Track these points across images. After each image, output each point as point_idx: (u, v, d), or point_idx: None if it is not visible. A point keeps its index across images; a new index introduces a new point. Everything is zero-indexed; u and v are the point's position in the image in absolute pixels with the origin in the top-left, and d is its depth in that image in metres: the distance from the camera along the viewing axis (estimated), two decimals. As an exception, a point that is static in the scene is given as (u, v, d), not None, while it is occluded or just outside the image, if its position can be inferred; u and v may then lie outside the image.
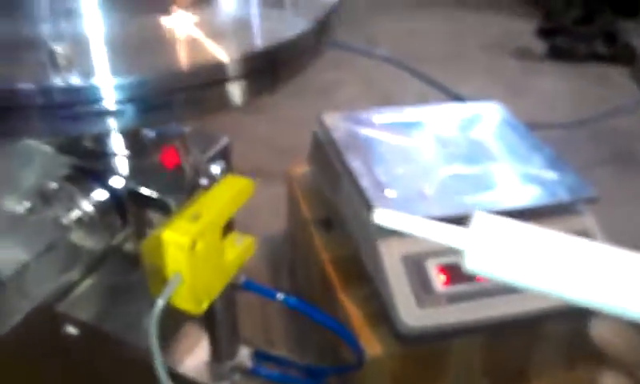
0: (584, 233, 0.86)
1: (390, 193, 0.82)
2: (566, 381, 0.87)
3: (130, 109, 0.35)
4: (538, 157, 0.94)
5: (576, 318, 0.49)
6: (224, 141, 0.54)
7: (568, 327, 0.81)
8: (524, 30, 2.43)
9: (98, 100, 0.33)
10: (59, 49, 0.33)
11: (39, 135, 0.45)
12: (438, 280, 0.76)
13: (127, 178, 0.48)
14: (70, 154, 0.49)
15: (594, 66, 2.13)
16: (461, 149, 0.97)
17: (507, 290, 0.76)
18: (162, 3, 0.42)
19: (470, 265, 0.29)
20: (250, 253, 0.48)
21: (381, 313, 0.78)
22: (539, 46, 2.26)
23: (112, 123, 0.35)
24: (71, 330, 0.53)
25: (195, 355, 0.70)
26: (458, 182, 0.88)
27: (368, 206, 0.78)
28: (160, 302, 0.39)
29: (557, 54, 2.14)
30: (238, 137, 0.60)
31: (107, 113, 0.34)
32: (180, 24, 0.42)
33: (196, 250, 0.39)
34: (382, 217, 0.30)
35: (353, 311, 0.81)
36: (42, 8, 0.38)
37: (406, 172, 0.89)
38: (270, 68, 0.40)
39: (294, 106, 1.63)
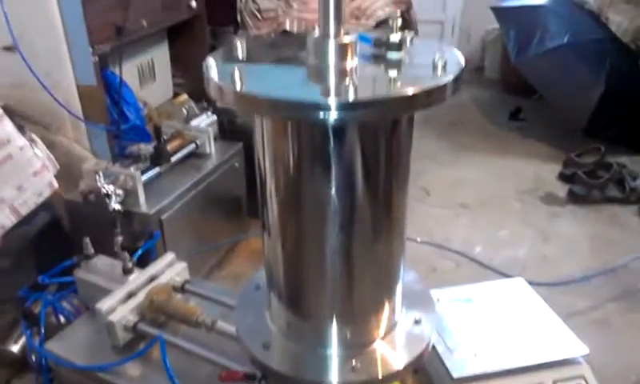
0: (581, 377, 1.39)
1: (457, 356, 1.39)
2: None
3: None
4: (548, 324, 1.50)
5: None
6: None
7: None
8: (551, 173, 3.02)
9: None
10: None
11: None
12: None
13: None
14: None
15: (607, 207, 2.67)
16: (495, 316, 1.54)
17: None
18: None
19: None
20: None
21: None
22: (563, 189, 2.84)
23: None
24: None
25: None
26: (493, 345, 1.44)
27: (446, 370, 1.36)
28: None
29: (575, 199, 2.70)
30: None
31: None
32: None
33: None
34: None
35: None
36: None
37: (464, 338, 1.46)
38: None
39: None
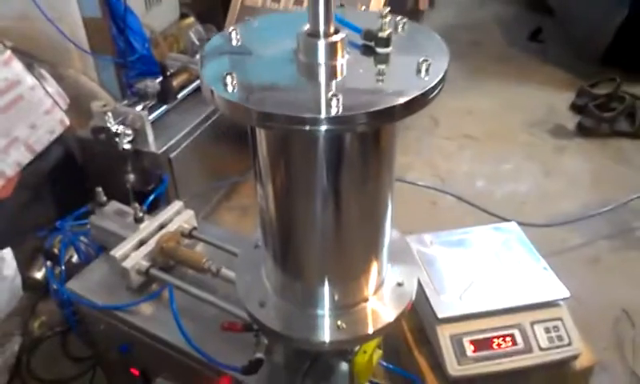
0: (558, 319, 1.50)
1: (444, 298, 1.49)
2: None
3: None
4: (534, 267, 1.58)
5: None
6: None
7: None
8: (564, 102, 2.97)
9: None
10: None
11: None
12: (469, 349, 1.44)
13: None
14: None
15: (615, 141, 2.66)
16: (484, 261, 1.62)
17: (506, 354, 1.43)
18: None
19: None
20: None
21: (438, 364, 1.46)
22: (573, 120, 2.81)
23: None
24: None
25: None
26: (479, 288, 1.53)
27: (432, 310, 1.46)
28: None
29: (583, 132, 2.69)
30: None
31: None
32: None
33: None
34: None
35: (422, 363, 1.50)
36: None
37: (452, 280, 1.56)
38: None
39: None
